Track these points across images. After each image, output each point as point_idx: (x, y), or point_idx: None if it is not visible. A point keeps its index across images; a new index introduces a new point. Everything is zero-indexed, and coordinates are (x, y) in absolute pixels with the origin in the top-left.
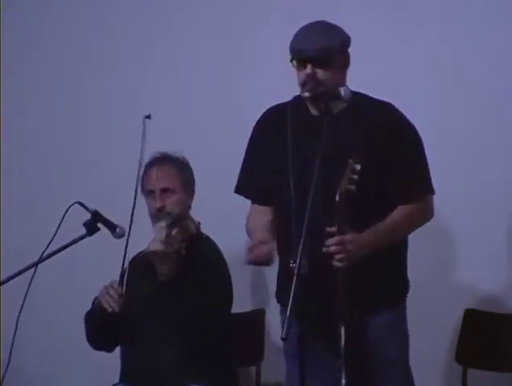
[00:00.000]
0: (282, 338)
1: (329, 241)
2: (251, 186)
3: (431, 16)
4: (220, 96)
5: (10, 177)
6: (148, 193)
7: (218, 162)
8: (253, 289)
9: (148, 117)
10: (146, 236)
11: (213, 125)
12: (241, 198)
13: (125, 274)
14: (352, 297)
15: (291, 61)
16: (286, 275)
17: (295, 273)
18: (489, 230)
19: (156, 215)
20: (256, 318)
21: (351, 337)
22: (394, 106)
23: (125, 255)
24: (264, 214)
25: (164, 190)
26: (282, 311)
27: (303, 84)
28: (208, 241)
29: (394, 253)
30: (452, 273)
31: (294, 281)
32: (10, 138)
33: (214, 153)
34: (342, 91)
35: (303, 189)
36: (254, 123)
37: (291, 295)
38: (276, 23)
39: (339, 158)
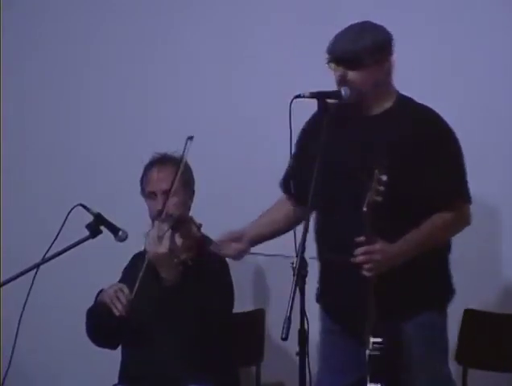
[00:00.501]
0: (282, 338)
1: (357, 251)
2: (288, 182)
3: (431, 16)
4: (220, 96)
5: (10, 177)
6: (149, 195)
7: (218, 163)
8: (254, 289)
9: (191, 138)
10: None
11: (213, 125)
12: (241, 198)
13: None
14: (385, 308)
15: (327, 63)
16: (328, 276)
17: (295, 273)
18: (488, 228)
19: (157, 217)
20: (256, 318)
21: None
22: (434, 113)
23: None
24: (280, 209)
25: (165, 192)
26: (323, 316)
27: (338, 86)
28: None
29: (432, 259)
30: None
31: (294, 281)
32: (10, 138)
33: (214, 153)
34: (343, 91)
35: (331, 190)
36: (254, 123)
37: (291, 295)
38: (276, 23)
39: (365, 164)
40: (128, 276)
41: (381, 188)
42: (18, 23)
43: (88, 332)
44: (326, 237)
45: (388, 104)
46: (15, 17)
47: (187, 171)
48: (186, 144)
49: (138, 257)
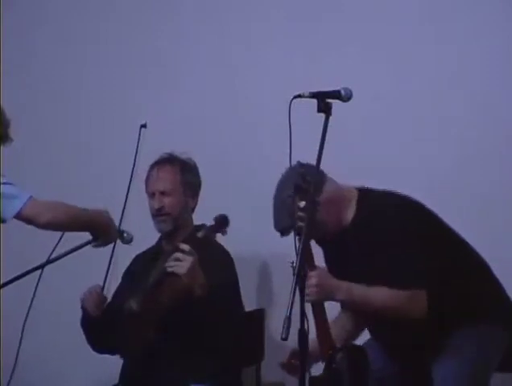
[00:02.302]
0: (282, 338)
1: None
2: None
3: (431, 16)
4: (220, 97)
5: (13, 178)
6: (149, 194)
7: (218, 162)
8: (254, 289)
9: (144, 126)
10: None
11: (213, 125)
12: (244, 199)
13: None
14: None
15: None
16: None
17: (295, 273)
18: (489, 227)
19: (156, 215)
20: (256, 318)
21: None
22: (386, 201)
23: (111, 258)
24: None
25: (163, 193)
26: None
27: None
28: (211, 243)
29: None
30: None
31: (294, 281)
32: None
33: (214, 153)
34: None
35: None
36: (254, 123)
37: (291, 295)
38: (276, 23)
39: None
40: (128, 277)
41: (302, 214)
42: (18, 23)
43: (87, 341)
44: None
45: (349, 218)
46: (15, 17)
47: (190, 173)
48: (139, 133)
49: (138, 258)
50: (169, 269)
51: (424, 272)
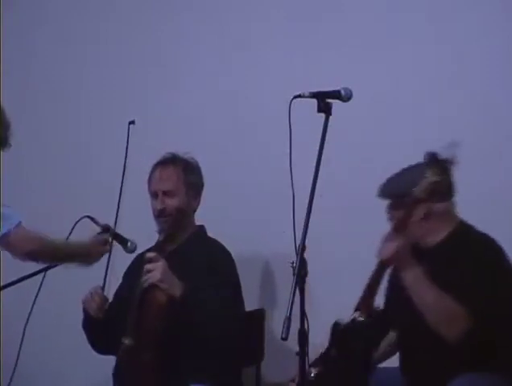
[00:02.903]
0: (282, 338)
1: None
2: None
3: (431, 16)
4: (220, 97)
5: (14, 182)
6: (152, 194)
7: (217, 162)
8: (254, 289)
9: (132, 122)
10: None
11: (213, 124)
12: (244, 199)
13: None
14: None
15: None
16: None
17: (295, 273)
18: (489, 227)
19: (158, 216)
20: (256, 318)
21: None
22: (482, 241)
23: (109, 258)
24: None
25: (165, 193)
26: None
27: None
28: (212, 243)
29: None
30: None
31: (294, 281)
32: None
33: (215, 155)
34: (343, 91)
35: None
36: (254, 123)
37: (291, 295)
38: (276, 23)
39: None
40: (128, 277)
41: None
42: (18, 23)
43: (88, 342)
44: None
45: (440, 238)
46: (15, 17)
47: (193, 173)
48: (128, 129)
49: (139, 258)
50: (145, 285)
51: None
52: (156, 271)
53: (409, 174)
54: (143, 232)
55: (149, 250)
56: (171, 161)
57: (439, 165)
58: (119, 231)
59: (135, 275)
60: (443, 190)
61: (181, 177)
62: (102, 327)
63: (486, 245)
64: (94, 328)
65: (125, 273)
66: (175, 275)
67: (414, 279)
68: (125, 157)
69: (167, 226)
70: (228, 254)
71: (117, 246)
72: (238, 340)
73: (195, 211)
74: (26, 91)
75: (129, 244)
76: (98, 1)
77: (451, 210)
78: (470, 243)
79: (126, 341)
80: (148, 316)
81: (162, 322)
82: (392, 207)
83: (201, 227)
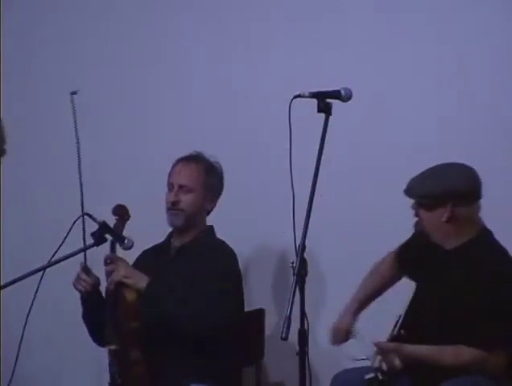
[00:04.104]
0: (282, 338)
1: None
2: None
3: (431, 16)
4: (220, 97)
5: (13, 182)
6: (169, 186)
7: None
8: (254, 289)
9: (74, 93)
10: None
11: (213, 124)
12: (244, 199)
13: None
14: None
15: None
16: None
17: (295, 273)
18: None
19: (169, 208)
20: (256, 318)
21: None
22: (499, 255)
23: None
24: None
25: (182, 187)
26: None
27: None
28: (219, 243)
29: None
30: None
31: (294, 280)
32: (10, 137)
33: (215, 155)
34: (343, 91)
35: None
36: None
37: (291, 295)
38: (276, 23)
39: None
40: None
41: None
42: (18, 23)
43: (90, 336)
44: None
45: (460, 241)
46: (15, 17)
47: (214, 176)
48: (72, 100)
49: (145, 254)
50: (111, 286)
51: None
52: (118, 269)
53: (437, 174)
54: (151, 227)
55: (158, 246)
56: (194, 158)
57: (466, 168)
58: (127, 227)
59: (143, 271)
60: (469, 193)
61: (201, 176)
62: (101, 317)
63: (503, 257)
64: (94, 317)
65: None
66: (181, 272)
67: (416, 359)
68: (76, 129)
69: (176, 220)
70: (232, 254)
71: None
72: (228, 335)
73: (208, 212)
74: (26, 91)
75: (125, 241)
76: (98, 1)
77: (474, 214)
78: (488, 252)
79: (111, 347)
80: (123, 316)
81: (137, 317)
82: (417, 205)
83: (210, 227)
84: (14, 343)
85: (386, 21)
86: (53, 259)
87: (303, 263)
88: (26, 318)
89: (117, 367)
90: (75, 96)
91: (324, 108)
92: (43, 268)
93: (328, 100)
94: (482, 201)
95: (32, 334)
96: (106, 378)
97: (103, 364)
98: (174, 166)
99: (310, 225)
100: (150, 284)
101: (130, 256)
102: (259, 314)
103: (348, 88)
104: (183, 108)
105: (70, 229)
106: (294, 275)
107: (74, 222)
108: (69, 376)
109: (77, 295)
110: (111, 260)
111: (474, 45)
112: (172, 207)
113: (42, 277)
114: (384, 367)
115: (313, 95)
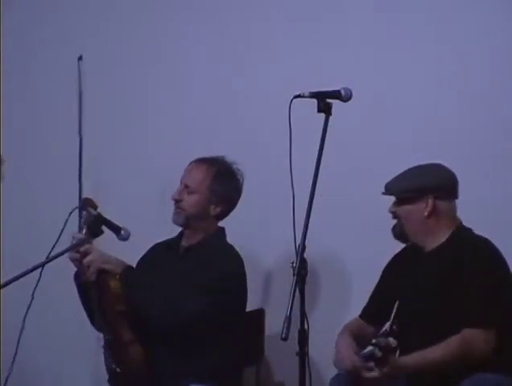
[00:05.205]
0: (282, 338)
1: None
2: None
3: (431, 16)
4: (220, 97)
5: (11, 177)
6: (180, 182)
7: None
8: (254, 289)
9: (80, 58)
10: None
11: (213, 124)
12: (244, 198)
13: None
14: None
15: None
16: None
17: (295, 273)
18: (489, 227)
19: (175, 205)
20: (256, 318)
21: None
22: (481, 243)
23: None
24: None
25: (187, 187)
26: None
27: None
28: (227, 247)
29: None
30: None
31: (294, 281)
32: (11, 137)
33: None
34: (343, 91)
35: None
36: (254, 124)
37: (291, 295)
38: (276, 23)
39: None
40: (143, 265)
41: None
42: (18, 23)
43: (89, 320)
44: None
45: (439, 242)
46: (15, 17)
47: (225, 183)
48: (78, 65)
49: (156, 248)
50: (93, 277)
51: (497, 312)
52: (95, 259)
53: (415, 171)
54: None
55: (169, 241)
56: (209, 161)
57: (444, 166)
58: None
59: (151, 264)
60: (449, 187)
61: (208, 179)
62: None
63: (486, 248)
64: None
65: (140, 261)
66: (185, 273)
67: (413, 370)
68: (79, 94)
69: (176, 217)
70: (236, 256)
71: (117, 241)
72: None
73: (217, 217)
74: (26, 91)
75: (122, 231)
76: (98, 1)
77: (454, 211)
78: (471, 245)
79: (106, 337)
80: (109, 301)
81: (122, 300)
82: (397, 204)
83: (221, 230)
84: (12, 342)
85: (386, 21)
86: (51, 255)
87: (303, 263)
88: (24, 318)
89: (113, 355)
90: (80, 61)
91: (324, 108)
92: (42, 265)
93: (328, 100)
94: (482, 201)
95: (32, 334)
96: (105, 376)
97: (102, 364)
98: (188, 164)
99: (310, 225)
100: (126, 269)
101: (126, 254)
102: (259, 314)
103: (348, 88)
104: (183, 107)
105: (65, 223)
106: (294, 275)
107: (70, 214)
108: (69, 376)
109: (77, 296)
110: (86, 252)
111: (474, 45)
112: (175, 204)
113: (40, 274)
114: (382, 342)
115: (313, 95)
